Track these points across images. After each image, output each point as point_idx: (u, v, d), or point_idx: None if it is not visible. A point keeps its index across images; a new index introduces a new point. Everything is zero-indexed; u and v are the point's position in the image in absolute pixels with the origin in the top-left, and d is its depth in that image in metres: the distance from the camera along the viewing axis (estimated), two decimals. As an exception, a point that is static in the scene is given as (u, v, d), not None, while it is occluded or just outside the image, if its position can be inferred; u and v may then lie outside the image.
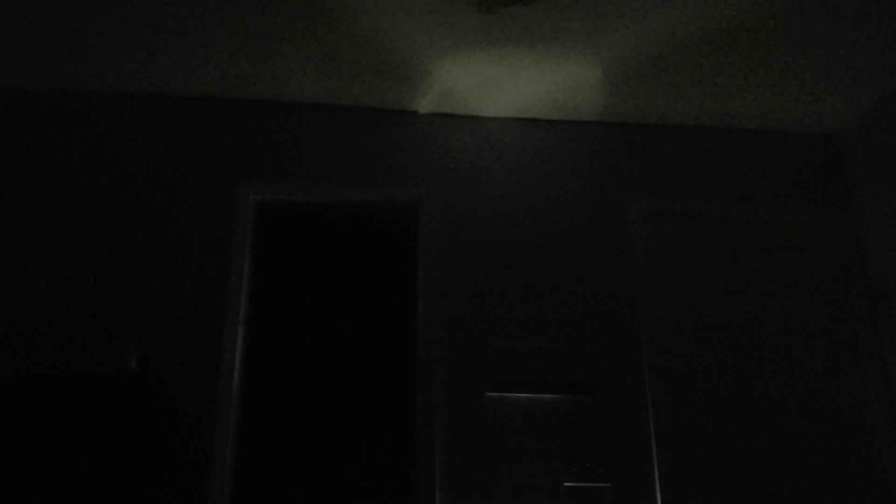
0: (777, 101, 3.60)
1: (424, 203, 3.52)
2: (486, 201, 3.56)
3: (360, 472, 4.89)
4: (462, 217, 3.52)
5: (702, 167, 3.75)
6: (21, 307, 3.13)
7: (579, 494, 3.13)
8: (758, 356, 3.45)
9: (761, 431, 3.33)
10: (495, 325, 3.35)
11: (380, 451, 4.95)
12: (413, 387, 5.10)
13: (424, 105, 3.63)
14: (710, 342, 3.45)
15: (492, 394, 3.23)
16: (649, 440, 3.25)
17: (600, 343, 3.38)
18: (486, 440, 3.18)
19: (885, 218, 3.51)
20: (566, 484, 3.14)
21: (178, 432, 3.03)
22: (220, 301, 3.23)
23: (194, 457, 3.00)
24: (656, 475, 3.20)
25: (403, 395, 5.09)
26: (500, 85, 3.46)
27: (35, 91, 3.45)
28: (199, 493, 2.96)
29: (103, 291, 3.19)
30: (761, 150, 3.83)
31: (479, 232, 3.50)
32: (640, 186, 3.68)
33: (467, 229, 3.50)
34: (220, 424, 3.05)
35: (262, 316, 5.13)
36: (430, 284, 3.38)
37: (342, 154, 3.55)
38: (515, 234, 3.51)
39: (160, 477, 2.96)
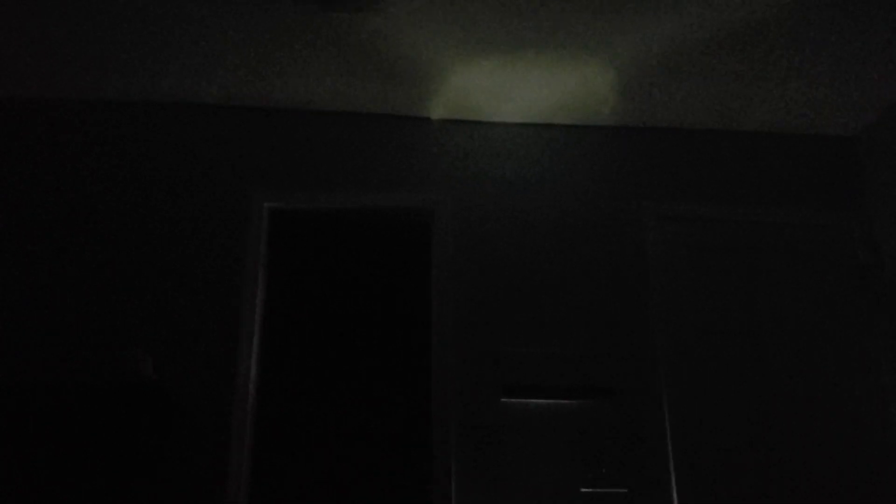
0: (791, 103, 3.58)
1: (438, 209, 3.52)
2: (499, 206, 3.55)
3: (376, 478, 4.89)
4: (475, 222, 3.51)
5: (714, 170, 3.74)
6: (36, 315, 3.15)
7: (596, 500, 3.11)
8: (773, 359, 3.42)
9: (777, 434, 3.30)
10: (510, 331, 3.34)
11: (395, 458, 4.94)
12: (428, 392, 5.09)
13: (437, 111, 3.63)
14: (725, 345, 3.43)
15: (507, 399, 3.22)
16: (665, 444, 3.23)
17: (615, 347, 3.36)
18: (502, 446, 3.17)
19: (903, 219, 3.48)
20: (583, 489, 3.12)
21: (193, 439, 3.04)
22: (235, 308, 3.24)
23: (210, 464, 3.01)
24: (673, 480, 3.17)
25: (418, 401, 5.09)
26: (512, 90, 3.46)
27: (53, 100, 3.48)
28: (216, 501, 2.96)
29: (118, 299, 3.20)
30: (775, 152, 3.80)
31: (492, 237, 3.50)
32: (652, 190, 3.67)
33: (481, 234, 3.49)
34: (235, 431, 3.06)
35: (276, 322, 5.14)
36: (443, 290, 3.38)
37: (355, 161, 3.56)
38: (529, 239, 3.51)
39: (176, 484, 2.97)
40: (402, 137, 3.62)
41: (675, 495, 3.15)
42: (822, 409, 3.37)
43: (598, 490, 3.12)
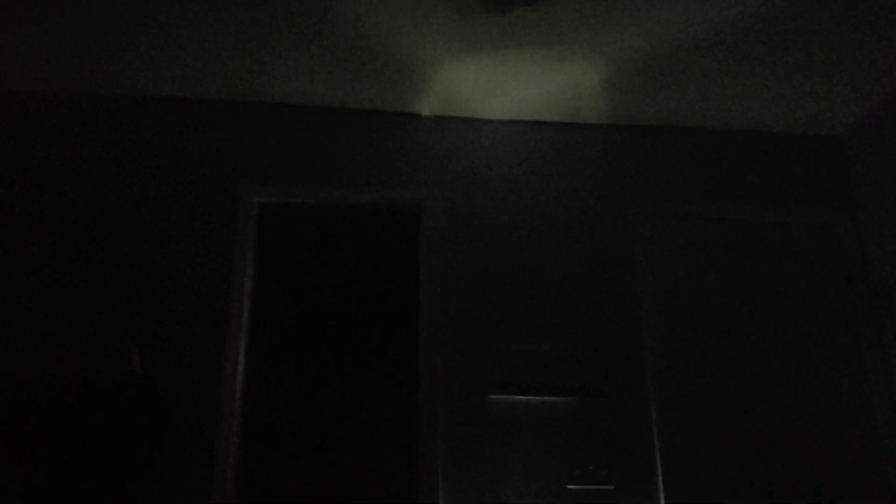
0: (780, 103, 3.60)
1: (426, 205, 3.52)
2: (488, 203, 3.56)
3: (363, 474, 4.89)
4: (464, 219, 3.52)
5: (704, 169, 3.75)
6: (24, 311, 3.13)
7: (582, 497, 3.13)
8: (760, 358, 3.44)
9: (764, 434, 3.32)
10: (498, 328, 3.35)
11: (382, 454, 4.94)
12: (416, 389, 5.10)
13: (427, 107, 3.63)
14: (713, 344, 3.45)
15: (495, 396, 3.23)
16: (652, 442, 3.25)
17: (603, 345, 3.37)
18: (489, 443, 3.18)
19: (888, 219, 3.51)
20: (569, 486, 3.14)
21: (181, 435, 3.03)
22: (223, 303, 3.23)
23: (198, 459, 3.00)
24: (659, 477, 3.19)
25: (406, 398, 5.09)
26: (502, 87, 3.46)
27: (39, 94, 3.46)
28: (203, 497, 2.96)
29: (106, 294, 3.19)
30: (764, 151, 3.82)
31: (481, 234, 3.50)
32: (642, 188, 3.68)
33: (470, 231, 3.50)
34: (223, 427, 3.05)
35: (264, 318, 5.13)
36: (432, 286, 3.38)
37: (345, 156, 3.55)
38: (518, 236, 3.51)
39: (163, 480, 2.96)
40: (391, 133, 3.62)
41: (661, 493, 3.17)
42: (809, 408, 3.39)
43: (585, 487, 3.14)
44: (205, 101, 3.55)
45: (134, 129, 3.46)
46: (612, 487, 3.15)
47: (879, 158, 3.59)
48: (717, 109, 3.65)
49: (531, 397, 3.24)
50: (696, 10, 2.93)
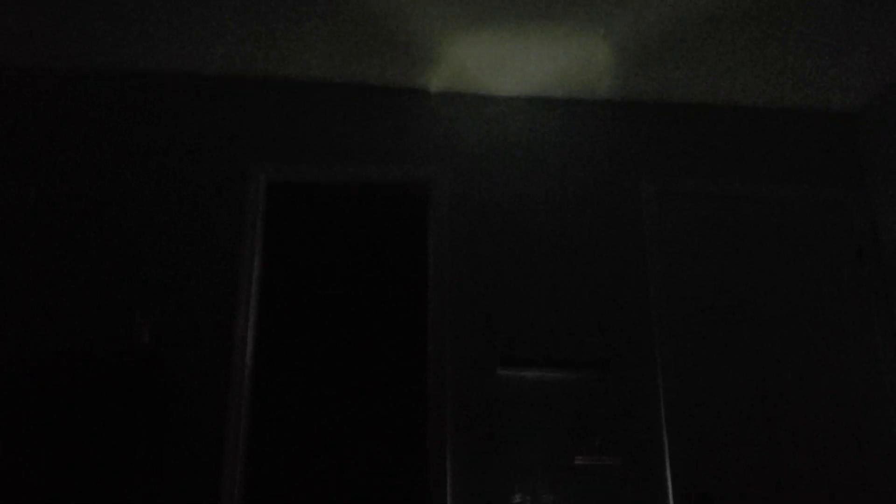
0: (790, 79, 3.57)
1: (435, 181, 3.51)
2: (496, 179, 3.55)
3: (370, 447, 4.92)
4: (472, 195, 3.51)
5: (713, 146, 3.73)
6: (35, 284, 3.15)
7: (589, 471, 3.14)
8: (769, 335, 3.44)
9: (772, 410, 3.32)
10: (506, 303, 3.36)
11: (390, 428, 4.98)
12: (424, 364, 5.12)
13: (435, 83, 3.62)
14: (722, 321, 3.44)
15: (503, 371, 3.24)
16: (660, 418, 3.26)
17: (611, 321, 3.38)
18: (497, 417, 3.19)
19: (900, 196, 3.48)
20: (576, 461, 3.15)
21: (189, 407, 3.05)
22: (232, 277, 3.25)
23: (206, 432, 3.03)
24: (666, 452, 3.20)
25: (414, 372, 5.12)
26: (511, 63, 3.44)
27: (46, 70, 3.46)
28: (212, 469, 2.99)
29: (116, 267, 3.21)
30: (774, 128, 3.80)
31: (489, 210, 3.49)
32: (651, 165, 3.66)
33: (478, 207, 3.49)
34: (231, 399, 3.07)
35: (273, 293, 5.15)
36: (440, 262, 3.38)
37: (353, 133, 3.55)
38: (526, 213, 3.51)
39: (172, 451, 3.00)
40: (399, 110, 3.61)
41: (668, 466, 3.18)
42: (816, 385, 3.39)
43: (592, 461, 3.15)
44: (213, 77, 3.55)
45: (142, 105, 3.47)
46: (619, 461, 3.16)
47: (891, 136, 3.56)
48: (729, 85, 3.62)
49: (539, 372, 3.25)
50: (706, -18, 2.90)
